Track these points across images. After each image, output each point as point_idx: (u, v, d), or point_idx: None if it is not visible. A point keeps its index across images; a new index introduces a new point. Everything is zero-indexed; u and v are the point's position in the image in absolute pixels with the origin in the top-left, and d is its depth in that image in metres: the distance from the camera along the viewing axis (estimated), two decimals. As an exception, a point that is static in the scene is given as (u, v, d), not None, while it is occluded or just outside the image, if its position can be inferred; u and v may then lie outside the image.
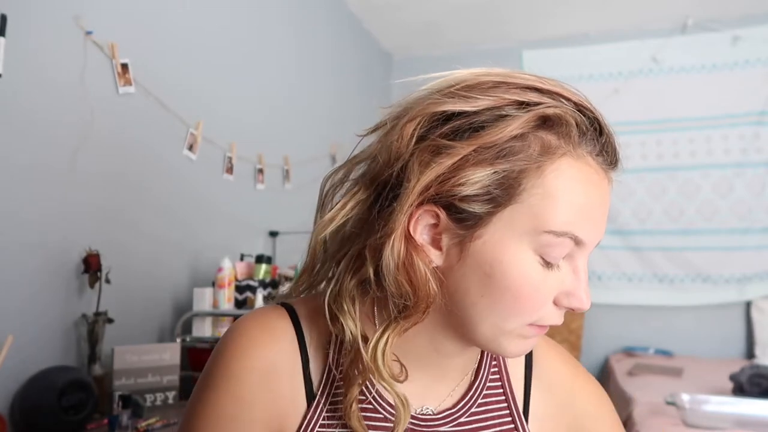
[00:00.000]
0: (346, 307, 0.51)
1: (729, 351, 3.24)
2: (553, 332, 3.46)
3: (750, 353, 3.19)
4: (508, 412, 0.58)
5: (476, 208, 0.47)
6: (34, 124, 1.42)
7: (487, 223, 0.47)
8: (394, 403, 0.51)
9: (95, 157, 1.60)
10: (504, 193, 0.46)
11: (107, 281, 1.57)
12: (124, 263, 1.68)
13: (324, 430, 0.52)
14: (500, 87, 0.47)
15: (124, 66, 1.70)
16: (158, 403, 1.60)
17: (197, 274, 2.03)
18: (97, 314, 1.53)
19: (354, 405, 0.50)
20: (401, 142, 0.48)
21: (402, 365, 0.51)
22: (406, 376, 0.50)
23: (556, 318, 0.49)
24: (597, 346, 3.47)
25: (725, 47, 3.31)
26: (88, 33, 1.57)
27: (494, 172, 0.46)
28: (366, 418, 0.52)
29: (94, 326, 1.52)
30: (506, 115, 0.46)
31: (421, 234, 0.49)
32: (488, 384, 0.58)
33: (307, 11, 2.87)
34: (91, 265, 1.52)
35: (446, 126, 0.47)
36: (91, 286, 1.53)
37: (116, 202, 1.69)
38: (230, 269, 1.94)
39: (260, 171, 2.43)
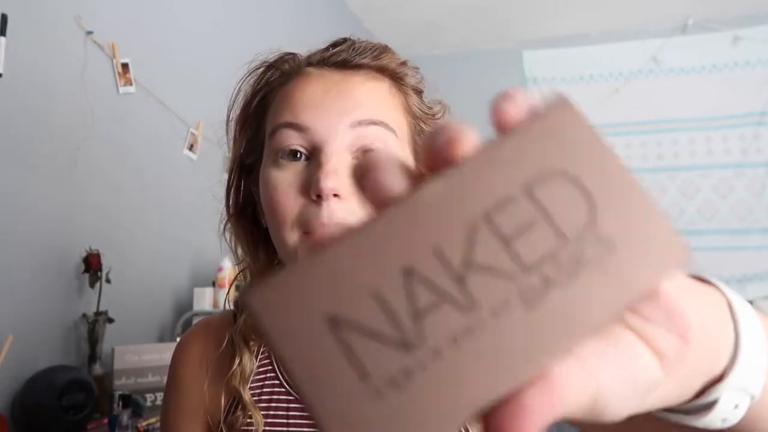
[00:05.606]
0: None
1: (729, 351, 3.24)
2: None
3: (750, 353, 3.19)
4: None
5: (250, 159, 0.57)
6: (34, 124, 1.42)
7: (259, 167, 0.55)
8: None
9: (95, 157, 1.60)
10: (255, 135, 0.56)
11: (107, 281, 1.57)
12: (124, 263, 1.68)
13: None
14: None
15: (124, 66, 1.70)
16: (158, 402, 1.60)
17: (197, 274, 2.03)
18: (97, 314, 1.53)
19: (237, 371, 0.56)
20: None
21: None
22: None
23: (314, 213, 0.47)
24: (597, 346, 3.46)
25: (726, 47, 3.31)
26: (89, 33, 1.57)
27: (247, 128, 0.57)
28: (268, 400, 0.57)
29: (94, 326, 1.52)
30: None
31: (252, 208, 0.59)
32: None
33: (307, 11, 2.87)
34: (91, 265, 1.52)
35: None
36: (92, 285, 1.53)
37: (116, 202, 1.69)
38: (230, 269, 1.94)
39: (260, 171, 2.43)
